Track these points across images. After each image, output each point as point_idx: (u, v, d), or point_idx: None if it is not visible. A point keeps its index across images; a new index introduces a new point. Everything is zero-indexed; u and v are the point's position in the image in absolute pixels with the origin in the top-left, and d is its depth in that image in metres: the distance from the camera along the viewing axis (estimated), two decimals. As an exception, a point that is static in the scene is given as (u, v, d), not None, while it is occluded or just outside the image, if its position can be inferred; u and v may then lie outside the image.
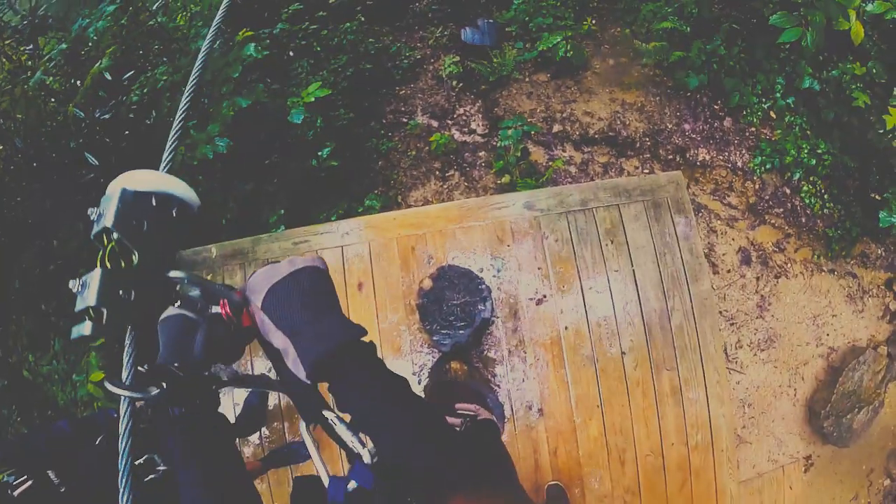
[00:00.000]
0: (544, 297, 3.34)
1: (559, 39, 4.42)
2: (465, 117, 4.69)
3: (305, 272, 0.86)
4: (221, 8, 1.15)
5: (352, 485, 1.02)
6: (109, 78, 3.70)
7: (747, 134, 4.35)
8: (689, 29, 4.37)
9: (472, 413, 1.91)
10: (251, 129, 3.70)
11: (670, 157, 4.26)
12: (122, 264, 0.72)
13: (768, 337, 4.10)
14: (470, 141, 4.48)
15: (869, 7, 3.64)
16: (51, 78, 4.07)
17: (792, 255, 4.19)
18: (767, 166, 4.19)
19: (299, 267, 0.86)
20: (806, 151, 4.07)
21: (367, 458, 0.94)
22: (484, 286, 3.25)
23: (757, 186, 4.24)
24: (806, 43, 3.35)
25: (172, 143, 0.95)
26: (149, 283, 0.75)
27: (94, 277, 0.69)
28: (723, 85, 4.32)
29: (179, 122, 1.01)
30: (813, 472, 4.14)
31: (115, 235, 0.72)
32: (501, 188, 4.10)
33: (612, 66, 4.65)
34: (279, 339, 0.83)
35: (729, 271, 4.05)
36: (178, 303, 0.81)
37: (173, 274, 0.79)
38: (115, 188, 0.75)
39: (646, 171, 4.15)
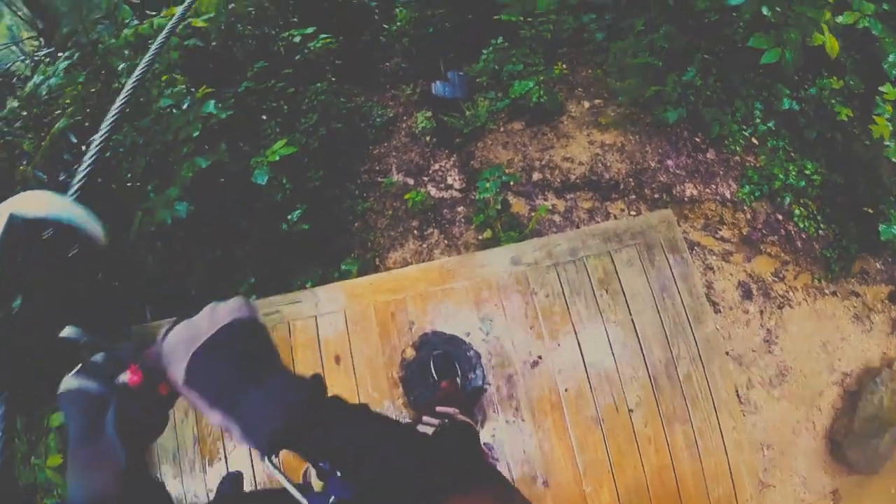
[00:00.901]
0: (539, 358, 3.20)
1: (532, 85, 4.37)
2: (440, 173, 4.64)
3: (232, 328, 0.74)
4: (155, 43, 1.07)
5: (332, 500, 0.95)
6: (74, 140, 3.56)
7: (732, 163, 4.33)
8: (661, 63, 4.36)
9: (450, 413, 1.93)
10: (214, 192, 3.56)
11: (656, 195, 4.21)
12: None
13: (779, 372, 3.98)
14: (447, 197, 4.42)
15: (840, 19, 3.61)
16: (26, 141, 3.91)
17: (792, 283, 4.11)
18: (756, 194, 4.14)
19: (223, 322, 0.74)
20: (794, 174, 4.01)
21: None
22: (472, 352, 3.08)
23: (748, 216, 4.18)
24: (785, 62, 3.28)
25: (86, 167, 0.90)
26: (34, 338, 0.64)
27: None
28: (702, 116, 4.29)
29: (98, 146, 0.92)
30: (842, 504, 3.93)
31: None
32: (484, 244, 4.02)
33: (588, 109, 4.64)
34: (217, 418, 0.71)
35: (731, 308, 3.93)
36: (78, 368, 0.67)
37: (66, 333, 0.65)
38: (1, 212, 0.63)
39: (632, 212, 4.12)
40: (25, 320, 0.61)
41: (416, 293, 3.30)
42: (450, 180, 4.64)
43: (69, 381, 0.73)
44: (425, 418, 1.93)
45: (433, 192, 4.60)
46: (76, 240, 0.67)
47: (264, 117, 4.63)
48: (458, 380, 3.00)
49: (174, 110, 3.69)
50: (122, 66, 4.04)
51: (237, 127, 4.49)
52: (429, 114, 5.02)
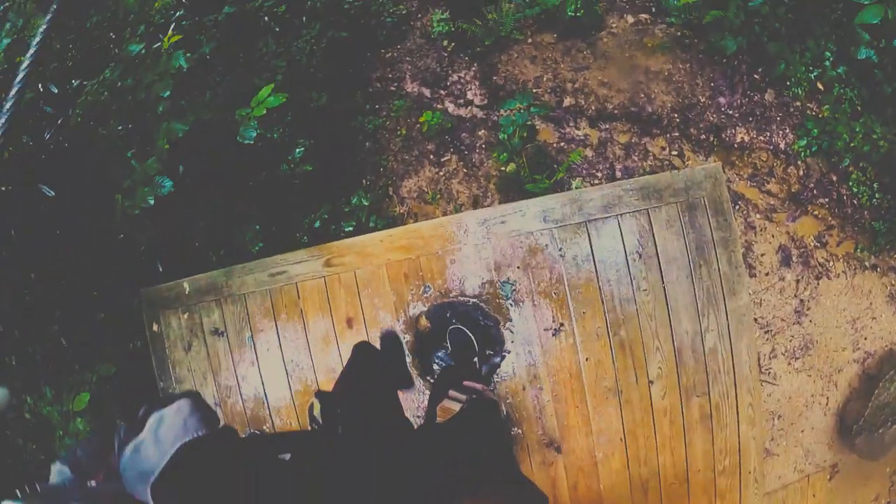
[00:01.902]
0: (562, 325, 3.15)
1: (567, -6, 3.90)
2: (459, 85, 4.28)
3: (182, 457, 0.77)
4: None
5: None
6: (56, 91, 3.24)
7: (792, 109, 4.05)
8: (724, -21, 3.89)
9: (478, 389, 1.97)
10: (201, 151, 3.24)
11: (703, 136, 3.94)
12: None
13: (804, 344, 3.93)
14: (466, 116, 4.10)
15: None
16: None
17: (834, 250, 3.97)
18: (813, 149, 3.85)
19: (170, 452, 0.76)
20: (860, 136, 3.70)
21: None
22: (494, 329, 2.90)
23: (801, 172, 3.96)
24: (888, 21, 2.92)
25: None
26: None
27: None
28: (765, 50, 3.90)
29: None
30: (837, 479, 4.15)
31: None
32: (505, 178, 3.69)
33: (632, 25, 4.22)
34: None
35: (767, 274, 3.80)
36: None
37: None
38: None
39: (674, 152, 3.83)
40: None
41: (430, 252, 3.17)
42: (469, 95, 4.28)
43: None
44: (452, 393, 2.01)
45: (451, 108, 4.25)
46: None
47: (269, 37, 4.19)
48: (476, 359, 2.87)
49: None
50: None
51: (225, 63, 4.10)
52: (445, 15, 4.54)
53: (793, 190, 4.00)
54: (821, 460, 4.04)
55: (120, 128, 3.24)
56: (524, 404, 3.13)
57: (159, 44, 3.35)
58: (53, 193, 3.04)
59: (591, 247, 3.11)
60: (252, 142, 3.17)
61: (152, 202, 2.86)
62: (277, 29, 4.28)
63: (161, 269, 3.50)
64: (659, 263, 3.14)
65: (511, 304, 3.11)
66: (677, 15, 4.19)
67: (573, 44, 4.29)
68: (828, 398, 4.07)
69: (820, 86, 4.13)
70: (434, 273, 3.15)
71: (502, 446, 1.70)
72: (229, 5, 4.15)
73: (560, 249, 3.08)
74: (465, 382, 2.05)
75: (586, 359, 3.11)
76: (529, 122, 3.90)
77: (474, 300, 3.10)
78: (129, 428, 0.79)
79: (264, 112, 3.21)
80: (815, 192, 4.03)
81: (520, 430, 3.14)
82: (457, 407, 1.86)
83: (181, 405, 0.82)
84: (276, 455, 1.02)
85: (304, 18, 4.35)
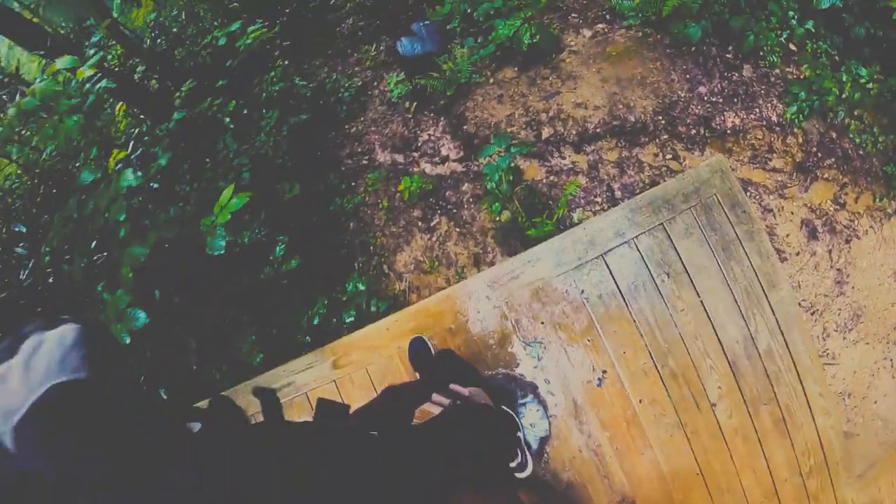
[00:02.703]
0: (604, 372, 3.04)
1: (518, 24, 3.88)
2: (431, 143, 4.27)
3: (46, 405, 0.65)
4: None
5: None
6: (24, 230, 3.23)
7: (772, 79, 4.06)
8: (669, -34, 3.91)
9: (464, 395, 1.92)
10: (171, 268, 3.18)
11: (693, 132, 3.93)
12: None
13: (853, 313, 3.88)
14: (446, 173, 4.08)
15: None
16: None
17: (854, 207, 3.93)
18: (805, 112, 3.82)
19: (38, 393, 0.65)
20: (848, 85, 3.67)
21: None
22: (532, 400, 2.79)
23: (800, 140, 3.95)
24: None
25: None
26: None
27: None
28: (730, 28, 3.89)
29: None
30: (923, 439, 3.93)
31: None
32: (503, 229, 3.63)
33: (591, 38, 4.24)
34: None
35: (798, 254, 3.74)
36: None
37: None
38: None
39: (668, 156, 3.82)
40: None
41: (443, 329, 3.07)
42: (444, 151, 4.26)
43: None
44: (435, 397, 1.91)
45: (428, 168, 4.24)
46: None
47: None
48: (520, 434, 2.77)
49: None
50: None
51: (190, 170, 4.10)
52: (401, 77, 4.55)
53: (797, 160, 3.98)
54: (901, 424, 3.95)
55: (84, 262, 3.19)
56: (586, 467, 3.02)
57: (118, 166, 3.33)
58: None
59: (613, 279, 3.04)
60: (222, 251, 3.08)
61: (128, 340, 2.74)
62: (233, 126, 4.27)
63: (166, 398, 3.39)
64: (689, 277, 3.10)
65: (544, 366, 3.01)
66: (634, 15, 4.20)
67: (536, 72, 4.30)
68: (892, 360, 4.00)
69: (792, 46, 4.13)
70: (452, 347, 3.05)
71: (486, 454, 1.63)
72: (178, 111, 4.13)
73: (582, 292, 3.01)
74: (451, 386, 1.99)
75: (640, 401, 3.02)
76: (513, 164, 3.88)
77: (504, 371, 2.99)
78: (1, 347, 0.70)
79: (229, 217, 3.13)
80: (819, 155, 4.01)
81: (589, 495, 3.02)
82: (436, 411, 1.80)
83: (66, 333, 0.71)
84: (183, 423, 0.89)
85: (263, 111, 4.35)
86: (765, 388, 3.12)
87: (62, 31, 5.35)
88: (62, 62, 3.11)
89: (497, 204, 3.75)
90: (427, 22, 4.67)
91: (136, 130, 4.17)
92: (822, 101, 3.96)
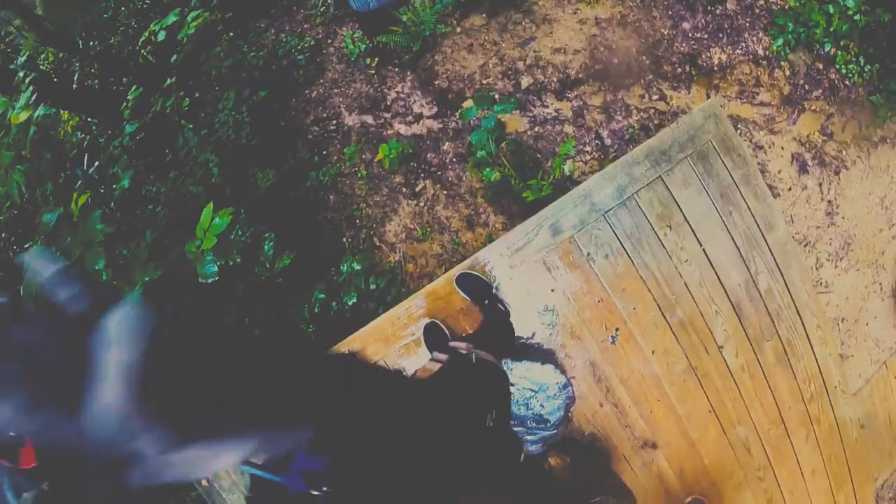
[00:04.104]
0: (617, 330, 3.35)
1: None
2: (401, 101, 4.37)
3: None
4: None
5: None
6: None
7: (757, 11, 4.28)
8: None
9: (460, 350, 2.02)
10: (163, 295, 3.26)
11: (678, 70, 4.16)
12: None
13: (844, 242, 4.24)
14: (423, 133, 4.14)
15: None
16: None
17: (842, 138, 4.26)
18: (792, 44, 4.06)
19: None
20: (836, 17, 3.88)
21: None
22: (552, 368, 3.01)
23: (787, 73, 4.20)
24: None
25: None
26: None
27: None
28: (710, -44, 4.05)
29: None
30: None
31: None
32: (492, 188, 3.77)
33: None
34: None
35: (790, 189, 4.05)
36: None
37: None
38: None
39: (654, 96, 4.09)
40: None
41: (454, 312, 3.27)
42: (416, 108, 4.36)
43: None
44: (435, 354, 2.04)
45: (402, 129, 4.33)
46: None
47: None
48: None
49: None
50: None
51: (156, 178, 4.10)
52: (358, 33, 4.55)
53: (784, 93, 4.23)
54: (892, 342, 4.38)
55: None
56: (608, 420, 3.36)
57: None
58: None
59: (617, 238, 3.28)
60: (216, 277, 3.16)
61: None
62: (190, 126, 4.26)
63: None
64: (691, 227, 3.38)
65: (558, 331, 3.27)
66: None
67: (507, 17, 4.41)
68: (880, 284, 4.43)
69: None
70: (466, 327, 3.26)
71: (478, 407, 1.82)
72: (129, 124, 4.09)
73: (588, 255, 3.22)
74: (451, 343, 2.16)
75: (652, 352, 3.36)
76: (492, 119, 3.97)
77: (521, 341, 3.19)
78: None
79: (216, 241, 3.18)
80: (806, 87, 4.26)
81: (613, 444, 3.37)
82: (436, 367, 1.96)
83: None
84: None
85: (217, 91, 4.34)
86: (767, 325, 3.52)
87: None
88: None
89: (487, 169, 3.88)
90: (374, -29, 4.63)
91: (86, 138, 4.13)
92: (809, 33, 4.18)
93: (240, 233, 3.84)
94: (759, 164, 4.11)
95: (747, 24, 4.25)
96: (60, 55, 5.49)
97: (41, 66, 5.40)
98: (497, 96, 4.16)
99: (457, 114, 4.18)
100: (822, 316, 3.65)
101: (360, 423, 1.12)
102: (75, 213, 3.27)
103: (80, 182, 3.86)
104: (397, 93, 4.45)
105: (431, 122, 4.32)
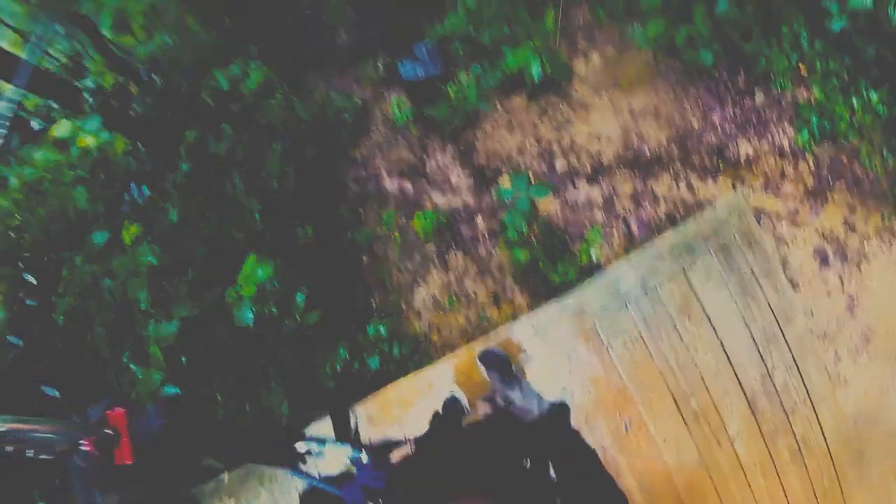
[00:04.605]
0: (629, 419, 3.54)
1: (529, 54, 4.27)
2: (440, 172, 4.67)
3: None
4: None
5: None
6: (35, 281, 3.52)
7: (784, 104, 4.63)
8: (680, -9, 4.30)
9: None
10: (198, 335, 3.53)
11: (706, 161, 4.47)
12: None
13: (863, 336, 4.42)
14: (459, 205, 4.47)
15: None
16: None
17: (864, 229, 4.47)
18: (817, 137, 4.29)
19: None
20: (859, 110, 4.12)
21: (366, 459, 1.31)
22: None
23: (811, 165, 4.41)
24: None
25: None
26: None
27: None
28: (741, 52, 4.34)
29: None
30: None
31: None
32: (521, 267, 4.04)
33: (601, 65, 4.65)
34: None
35: (810, 282, 4.26)
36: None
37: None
38: None
39: (682, 186, 4.26)
40: None
41: (474, 384, 3.52)
42: (454, 180, 4.66)
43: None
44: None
45: (439, 200, 4.63)
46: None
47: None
48: None
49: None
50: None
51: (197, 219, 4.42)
52: (404, 100, 4.87)
53: (808, 185, 4.45)
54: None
55: (102, 329, 3.48)
56: None
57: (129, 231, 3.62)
58: (59, 394, 3.28)
59: (637, 327, 3.53)
60: (251, 323, 3.43)
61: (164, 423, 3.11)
62: (243, 172, 4.57)
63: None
64: (709, 319, 3.60)
65: (574, 413, 3.45)
66: (645, 42, 4.59)
67: (547, 101, 4.70)
68: (901, 377, 4.48)
69: (803, 68, 4.54)
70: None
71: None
72: (184, 162, 4.42)
73: (607, 340, 3.42)
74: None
75: (664, 440, 3.52)
76: (525, 198, 4.23)
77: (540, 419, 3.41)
78: None
79: (255, 290, 3.46)
80: (829, 179, 4.49)
81: None
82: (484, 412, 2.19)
83: None
84: None
85: (267, 144, 4.66)
86: (781, 421, 3.72)
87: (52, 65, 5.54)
88: (60, 130, 3.36)
89: (517, 248, 4.13)
90: (428, 44, 4.97)
91: (136, 165, 4.44)
92: (834, 126, 4.41)
93: (275, 283, 4.12)
94: (780, 258, 4.32)
95: (774, 117, 4.51)
96: (121, 80, 5.87)
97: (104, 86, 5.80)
98: (532, 177, 4.43)
99: (492, 190, 4.46)
100: (839, 410, 3.79)
101: (417, 452, 1.41)
102: (126, 240, 3.57)
103: (126, 207, 4.19)
104: (437, 163, 4.75)
105: (467, 196, 4.61)
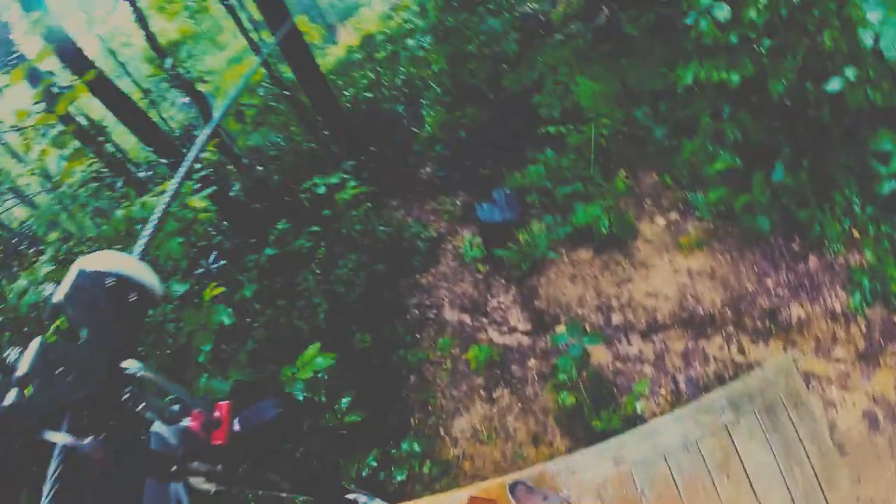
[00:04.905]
0: None
1: (598, 212, 4.84)
2: (500, 311, 5.23)
3: None
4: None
5: None
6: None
7: (836, 267, 5.06)
8: (740, 161, 4.80)
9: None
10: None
11: (758, 324, 4.85)
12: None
13: None
14: (514, 345, 5.00)
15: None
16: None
17: None
18: (869, 300, 4.60)
19: None
20: (910, 271, 4.53)
21: None
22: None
23: (863, 328, 4.69)
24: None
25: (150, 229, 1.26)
26: (94, 369, 0.87)
27: (33, 346, 0.82)
28: (796, 218, 4.79)
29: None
30: None
31: (67, 311, 0.90)
32: (565, 411, 4.53)
33: (664, 227, 5.20)
34: None
35: (858, 447, 4.46)
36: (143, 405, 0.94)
37: (128, 364, 0.92)
38: (73, 267, 0.95)
39: (733, 348, 4.69)
40: (92, 354, 0.87)
41: None
42: (513, 321, 5.20)
43: (158, 426, 1.04)
44: None
45: (496, 337, 5.17)
46: (134, 288, 0.96)
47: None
48: None
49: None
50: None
51: (265, 293, 5.07)
52: (477, 240, 5.53)
53: (860, 348, 4.77)
54: None
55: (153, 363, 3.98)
56: None
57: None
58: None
59: (674, 480, 3.77)
60: (302, 400, 3.93)
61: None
62: (316, 271, 5.27)
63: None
64: (749, 479, 3.77)
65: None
66: (706, 208, 5.13)
67: (611, 257, 5.28)
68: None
69: (855, 232, 4.94)
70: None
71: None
72: (270, 247, 5.18)
73: (642, 491, 3.73)
74: None
75: None
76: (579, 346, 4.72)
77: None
78: None
79: (311, 374, 3.96)
80: (881, 342, 4.78)
81: None
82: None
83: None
84: None
85: (343, 250, 5.38)
86: None
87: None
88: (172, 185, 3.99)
89: (564, 392, 4.60)
90: (507, 190, 5.69)
91: (220, 237, 5.19)
92: (886, 288, 4.74)
93: (326, 377, 4.57)
94: (828, 422, 4.56)
95: (827, 281, 4.95)
96: (224, 160, 6.82)
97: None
98: (588, 327, 4.95)
99: (548, 335, 4.99)
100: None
101: None
102: (206, 296, 4.12)
103: (203, 270, 4.83)
104: (499, 302, 5.34)
105: (523, 338, 5.13)
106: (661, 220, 5.36)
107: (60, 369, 0.80)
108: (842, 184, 4.93)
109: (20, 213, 10.02)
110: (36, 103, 4.96)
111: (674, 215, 5.37)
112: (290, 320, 5.10)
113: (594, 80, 6.26)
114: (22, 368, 0.78)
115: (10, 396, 0.75)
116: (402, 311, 5.60)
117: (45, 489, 0.77)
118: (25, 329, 4.14)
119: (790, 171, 4.93)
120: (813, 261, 5.04)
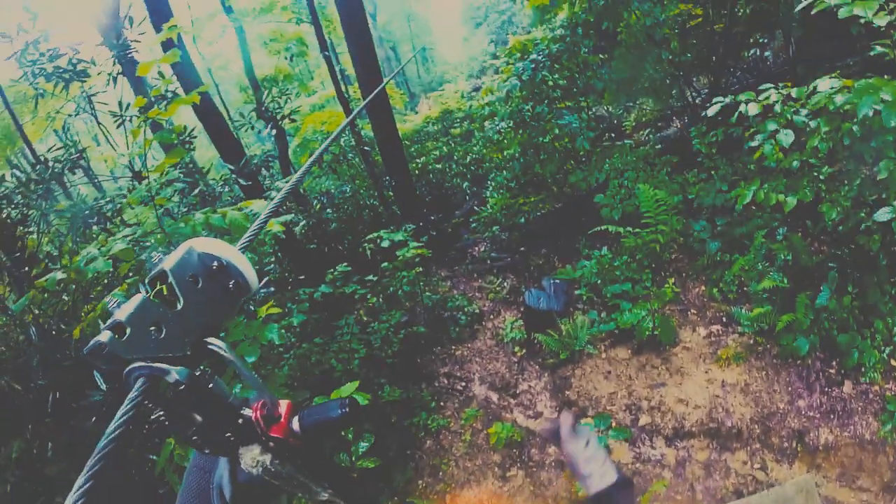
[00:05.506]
0: None
1: (643, 314, 5.36)
2: (529, 395, 5.73)
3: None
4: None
5: None
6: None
7: (871, 395, 5.33)
8: (787, 282, 5.28)
9: None
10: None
11: (785, 444, 5.19)
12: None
13: None
14: (536, 430, 5.44)
15: None
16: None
17: None
18: (900, 430, 5.01)
19: None
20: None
21: None
22: None
23: (890, 459, 5.03)
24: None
25: (254, 229, 1.46)
26: (183, 336, 0.98)
27: (135, 300, 0.94)
28: (835, 343, 5.22)
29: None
30: None
31: (169, 280, 0.99)
32: (578, 502, 5.03)
33: (705, 338, 5.65)
34: None
35: None
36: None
37: (212, 341, 1.04)
38: (184, 244, 1.07)
39: (756, 465, 5.06)
40: (182, 323, 0.98)
41: None
42: (540, 406, 5.69)
43: None
44: None
45: (520, 419, 5.65)
46: (234, 276, 1.07)
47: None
48: None
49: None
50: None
51: (307, 328, 5.81)
52: (519, 322, 6.11)
53: (885, 479, 5.08)
54: None
55: None
56: None
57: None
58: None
59: None
60: None
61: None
62: (365, 317, 5.95)
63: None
64: None
65: None
66: (748, 324, 5.60)
67: (648, 359, 5.75)
68: None
69: (894, 362, 5.35)
70: None
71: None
72: (326, 285, 5.92)
73: None
74: None
75: None
76: (605, 444, 5.23)
77: None
78: None
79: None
80: (907, 475, 5.13)
81: None
82: None
83: None
84: None
85: (388, 307, 6.05)
86: None
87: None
88: (257, 205, 4.54)
89: (579, 483, 5.06)
90: (557, 281, 6.26)
91: (274, 266, 5.86)
92: (920, 420, 5.11)
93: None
94: None
95: (859, 408, 5.25)
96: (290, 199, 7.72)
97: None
98: (614, 423, 5.46)
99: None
100: None
101: None
102: (261, 312, 4.52)
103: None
104: (529, 386, 5.80)
105: (548, 424, 5.55)
106: (702, 331, 5.81)
107: (153, 327, 0.93)
108: (884, 312, 5.35)
109: (85, 190, 11.04)
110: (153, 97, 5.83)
111: (716, 327, 5.80)
112: (325, 358, 5.69)
113: (658, 187, 6.86)
114: (119, 316, 0.89)
115: (105, 336, 0.86)
116: (431, 377, 6.10)
117: (120, 412, 0.88)
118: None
119: (835, 295, 5.38)
120: (848, 386, 5.36)
